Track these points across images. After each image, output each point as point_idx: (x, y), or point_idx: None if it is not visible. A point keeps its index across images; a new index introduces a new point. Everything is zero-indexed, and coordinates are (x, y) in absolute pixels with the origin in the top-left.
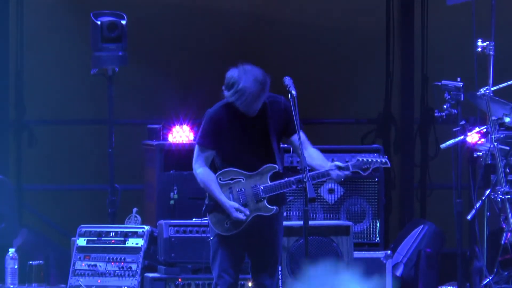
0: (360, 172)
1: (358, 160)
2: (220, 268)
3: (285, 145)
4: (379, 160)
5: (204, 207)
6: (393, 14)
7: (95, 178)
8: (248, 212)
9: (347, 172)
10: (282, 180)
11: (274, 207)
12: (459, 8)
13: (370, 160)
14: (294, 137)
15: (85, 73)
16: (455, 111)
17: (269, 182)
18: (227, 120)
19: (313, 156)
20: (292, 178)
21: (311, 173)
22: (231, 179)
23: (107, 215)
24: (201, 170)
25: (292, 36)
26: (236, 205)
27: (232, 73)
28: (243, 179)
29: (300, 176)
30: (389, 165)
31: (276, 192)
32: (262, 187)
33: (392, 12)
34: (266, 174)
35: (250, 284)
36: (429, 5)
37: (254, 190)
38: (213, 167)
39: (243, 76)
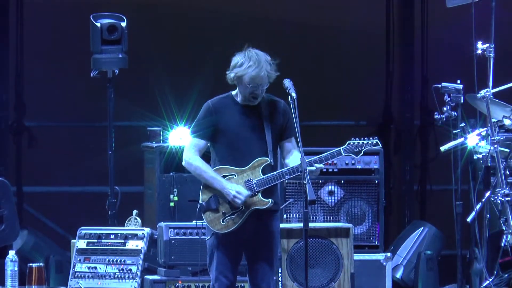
0: (353, 155)
1: (349, 143)
2: (217, 270)
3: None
4: (369, 142)
5: (198, 208)
6: (393, 15)
7: (95, 180)
8: (245, 195)
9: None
10: (275, 172)
11: (270, 200)
12: (459, 9)
13: (361, 142)
14: (288, 142)
15: (85, 75)
16: (455, 113)
17: (261, 175)
18: (224, 112)
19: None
20: (285, 169)
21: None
22: (223, 177)
23: (107, 217)
24: (194, 158)
25: (291, 37)
26: (235, 187)
27: (241, 55)
28: (235, 175)
29: (293, 167)
30: (380, 145)
31: (270, 185)
32: (255, 181)
33: (392, 13)
34: (258, 167)
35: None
36: (429, 6)
37: (247, 185)
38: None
39: (253, 55)
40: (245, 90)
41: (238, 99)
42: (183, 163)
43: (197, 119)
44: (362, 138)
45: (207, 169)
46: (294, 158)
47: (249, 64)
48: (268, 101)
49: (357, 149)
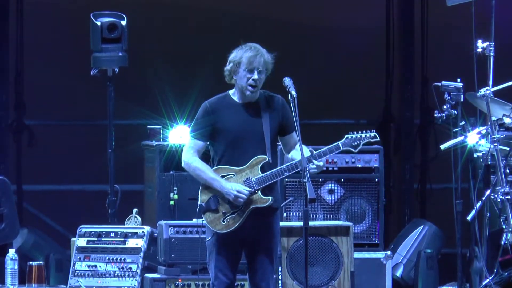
0: (352, 149)
1: (347, 137)
2: (216, 268)
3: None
4: (367, 135)
5: (197, 209)
6: (393, 14)
7: (95, 179)
8: (247, 192)
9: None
10: (274, 170)
11: (270, 198)
12: (459, 8)
13: (359, 136)
14: (289, 136)
15: (85, 73)
16: (455, 111)
17: (260, 173)
18: (221, 111)
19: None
20: (283, 166)
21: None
22: (222, 177)
23: (107, 215)
24: (193, 159)
25: (291, 36)
26: (235, 186)
27: (237, 48)
28: (234, 175)
29: (292, 163)
30: (378, 138)
31: (269, 182)
32: (254, 180)
33: (392, 12)
34: (256, 166)
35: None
36: (429, 5)
37: (246, 183)
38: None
39: (249, 44)
40: (242, 79)
41: (236, 97)
42: (182, 164)
43: (195, 120)
44: (359, 132)
45: (206, 169)
46: (298, 151)
47: (245, 49)
48: (265, 97)
49: (356, 143)
